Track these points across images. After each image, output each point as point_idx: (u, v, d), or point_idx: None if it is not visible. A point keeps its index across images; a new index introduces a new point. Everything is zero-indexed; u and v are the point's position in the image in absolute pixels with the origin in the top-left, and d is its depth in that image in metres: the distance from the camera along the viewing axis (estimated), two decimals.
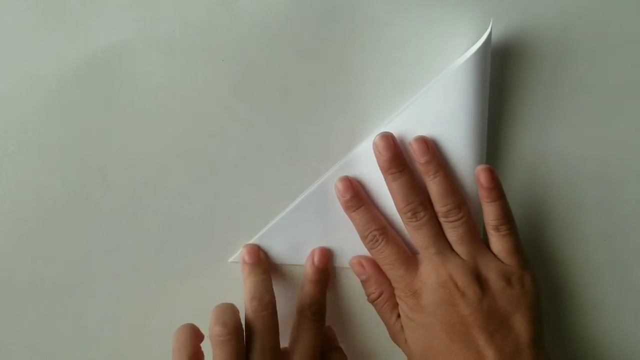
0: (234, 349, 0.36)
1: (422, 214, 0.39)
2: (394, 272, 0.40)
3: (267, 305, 0.39)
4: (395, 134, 0.41)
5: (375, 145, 0.40)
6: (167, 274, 0.43)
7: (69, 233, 0.43)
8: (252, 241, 0.43)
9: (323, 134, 0.43)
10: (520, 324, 0.38)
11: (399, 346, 0.41)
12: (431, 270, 0.39)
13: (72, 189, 0.43)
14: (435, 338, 0.38)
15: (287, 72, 0.42)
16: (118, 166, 0.42)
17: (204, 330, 0.40)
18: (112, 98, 0.42)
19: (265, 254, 0.43)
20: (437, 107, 0.40)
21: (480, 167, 0.39)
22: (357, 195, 0.41)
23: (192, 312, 0.43)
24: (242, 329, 0.38)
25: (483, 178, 0.39)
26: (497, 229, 0.39)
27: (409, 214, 0.39)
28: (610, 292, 0.44)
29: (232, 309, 0.38)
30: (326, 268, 0.43)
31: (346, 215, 0.42)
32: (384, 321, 0.42)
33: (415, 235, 0.40)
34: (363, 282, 0.42)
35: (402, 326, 0.40)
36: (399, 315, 0.41)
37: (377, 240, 0.40)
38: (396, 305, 0.41)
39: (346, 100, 0.42)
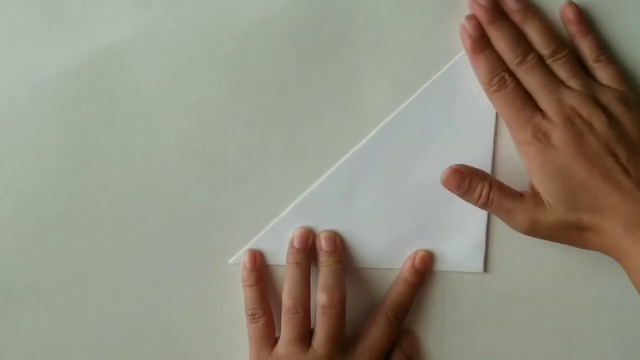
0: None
1: (530, 56, 0.39)
2: (523, 115, 0.39)
3: (336, 304, 0.40)
4: (400, 128, 0.41)
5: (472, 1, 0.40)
6: (167, 274, 0.43)
7: (69, 233, 0.43)
8: (251, 242, 0.43)
9: (323, 134, 0.42)
10: None
11: (533, 216, 0.38)
12: (554, 107, 0.38)
13: (72, 189, 0.43)
14: (573, 177, 0.38)
15: (287, 72, 0.42)
16: (118, 166, 0.42)
17: (202, 330, 0.39)
18: (112, 98, 0.42)
19: (342, 240, 0.43)
20: (442, 101, 0.40)
21: (565, 4, 0.39)
22: (486, 35, 0.40)
23: (192, 313, 0.44)
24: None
25: (570, 14, 0.39)
26: (598, 60, 0.40)
27: (519, 58, 0.39)
28: None
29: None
30: (425, 272, 0.43)
31: (346, 215, 0.42)
32: (505, 210, 0.39)
33: (529, 78, 0.39)
34: (465, 192, 0.39)
35: (532, 192, 0.39)
36: (520, 194, 0.39)
37: (505, 82, 0.39)
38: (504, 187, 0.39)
39: (346, 100, 0.42)
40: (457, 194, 0.39)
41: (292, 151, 0.43)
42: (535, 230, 0.39)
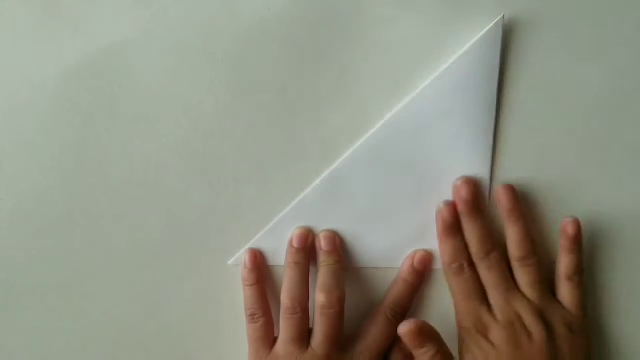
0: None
1: (493, 254, 0.41)
2: (471, 303, 0.41)
3: (334, 304, 0.40)
4: (399, 127, 0.41)
5: (456, 188, 0.41)
6: (167, 274, 0.43)
7: (69, 233, 0.43)
8: (251, 242, 0.43)
9: (323, 134, 0.42)
10: None
11: None
12: (501, 307, 0.41)
13: (72, 189, 0.43)
14: None
15: (287, 72, 0.42)
16: (118, 166, 0.42)
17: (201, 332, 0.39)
18: (112, 98, 0.42)
19: (341, 240, 0.43)
20: (445, 94, 0.41)
21: (569, 220, 0.41)
22: (458, 222, 0.42)
23: (192, 313, 0.44)
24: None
25: (571, 229, 0.41)
26: (571, 279, 0.41)
27: (482, 254, 0.41)
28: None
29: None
30: (424, 272, 0.43)
31: (345, 215, 0.42)
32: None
33: (487, 274, 0.41)
34: (415, 346, 0.40)
35: None
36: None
37: (463, 271, 0.41)
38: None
39: (346, 100, 0.42)
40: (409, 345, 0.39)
41: (292, 151, 0.43)
42: None
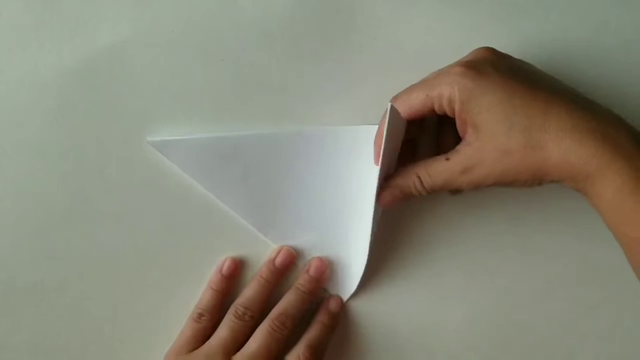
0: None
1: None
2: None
3: (282, 329, 0.40)
4: None
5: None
6: (167, 274, 0.43)
7: (69, 233, 0.43)
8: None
9: None
10: None
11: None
12: None
13: (72, 189, 0.43)
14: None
15: (287, 72, 0.42)
16: (118, 166, 0.42)
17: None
18: (112, 98, 0.42)
19: (330, 273, 0.43)
20: None
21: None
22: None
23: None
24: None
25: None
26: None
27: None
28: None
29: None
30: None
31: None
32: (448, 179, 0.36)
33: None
34: (404, 198, 0.39)
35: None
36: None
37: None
38: None
39: (346, 100, 0.42)
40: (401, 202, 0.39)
41: None
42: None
